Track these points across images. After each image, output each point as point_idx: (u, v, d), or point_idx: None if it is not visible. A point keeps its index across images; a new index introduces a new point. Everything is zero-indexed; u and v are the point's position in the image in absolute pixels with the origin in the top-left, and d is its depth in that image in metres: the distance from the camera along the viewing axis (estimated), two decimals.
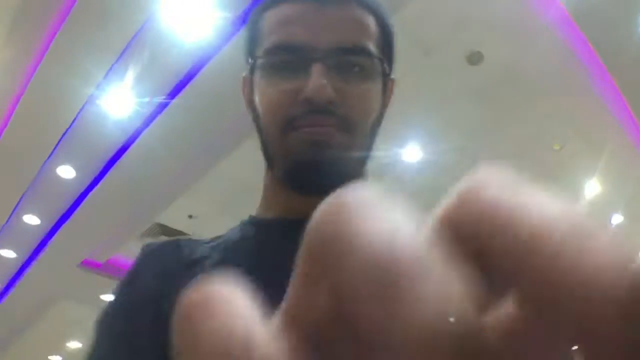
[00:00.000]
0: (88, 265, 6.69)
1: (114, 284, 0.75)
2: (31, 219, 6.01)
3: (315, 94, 0.64)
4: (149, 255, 0.75)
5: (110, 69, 4.11)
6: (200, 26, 3.79)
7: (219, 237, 0.76)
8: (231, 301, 0.15)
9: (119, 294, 0.72)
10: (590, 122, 5.19)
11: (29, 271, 6.83)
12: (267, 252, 0.70)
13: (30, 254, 6.68)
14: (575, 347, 0.12)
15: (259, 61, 0.70)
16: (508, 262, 0.12)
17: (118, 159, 4.95)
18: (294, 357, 0.14)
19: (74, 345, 9.41)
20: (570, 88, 4.73)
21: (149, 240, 6.29)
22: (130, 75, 4.11)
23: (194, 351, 0.14)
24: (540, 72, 4.60)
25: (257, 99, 0.71)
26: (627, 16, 3.77)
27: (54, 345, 9.48)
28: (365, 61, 0.69)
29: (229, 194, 5.67)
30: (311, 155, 0.66)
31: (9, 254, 6.76)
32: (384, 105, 0.75)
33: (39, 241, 6.37)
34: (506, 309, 0.13)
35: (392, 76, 0.76)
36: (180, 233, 6.57)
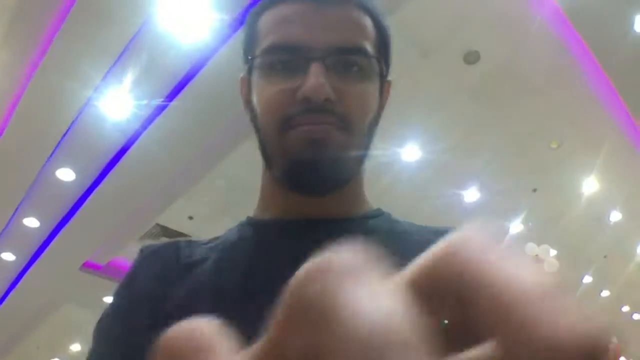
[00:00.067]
0: (89, 267, 6.69)
1: (116, 286, 0.75)
2: (31, 222, 6.01)
3: (313, 92, 0.64)
4: (146, 258, 0.75)
5: (109, 71, 4.11)
6: (198, 28, 3.79)
7: (217, 238, 0.76)
8: (208, 339, 0.16)
9: (117, 298, 0.72)
10: (587, 120, 5.20)
11: (29, 274, 6.82)
12: (264, 254, 0.70)
13: (30, 257, 6.67)
14: None
15: (257, 61, 0.70)
16: (487, 319, 0.14)
17: (117, 161, 4.95)
18: None
19: (76, 348, 9.41)
20: (567, 86, 4.74)
21: (149, 241, 6.29)
22: (129, 77, 4.11)
23: None
24: (536, 71, 4.61)
25: (255, 98, 0.71)
26: (621, 15, 3.78)
27: (57, 348, 9.48)
28: (363, 61, 0.69)
29: (229, 194, 5.67)
30: (309, 154, 0.66)
31: (9, 257, 6.75)
32: (381, 106, 0.75)
33: (39, 244, 6.36)
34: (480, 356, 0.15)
35: (389, 78, 0.76)
36: (181, 234, 6.57)
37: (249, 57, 0.72)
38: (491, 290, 0.14)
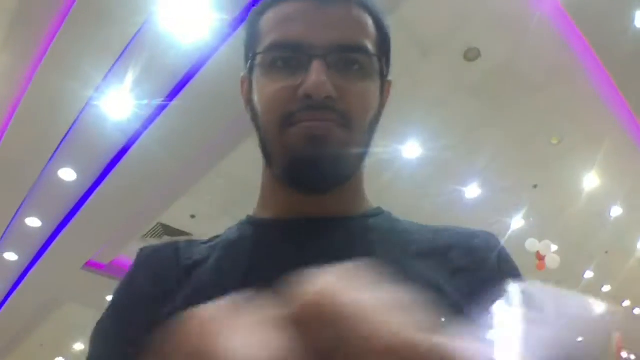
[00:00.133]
0: (91, 266, 6.70)
1: (115, 286, 0.75)
2: (33, 222, 6.02)
3: (314, 89, 0.64)
4: (145, 259, 0.75)
5: (109, 71, 4.12)
6: (198, 28, 3.80)
7: (217, 237, 0.76)
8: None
9: (116, 299, 0.72)
10: (588, 116, 5.20)
11: (32, 274, 6.84)
12: (264, 253, 0.70)
13: (32, 257, 6.69)
14: None
15: (258, 58, 0.70)
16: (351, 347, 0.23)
17: (119, 160, 4.95)
18: None
19: (79, 347, 9.43)
20: (567, 82, 4.74)
21: (152, 240, 6.29)
22: (129, 77, 4.11)
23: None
24: (537, 67, 4.61)
25: (256, 96, 0.71)
26: (622, 11, 3.78)
27: (60, 347, 9.50)
28: (365, 60, 0.69)
29: (231, 193, 5.68)
30: (310, 150, 0.65)
31: (12, 256, 6.77)
32: (382, 105, 0.75)
33: (41, 244, 6.38)
34: None
35: (390, 78, 0.76)
36: (183, 233, 6.59)
37: (250, 55, 0.72)
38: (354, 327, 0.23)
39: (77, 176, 5.26)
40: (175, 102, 4.26)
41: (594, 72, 4.45)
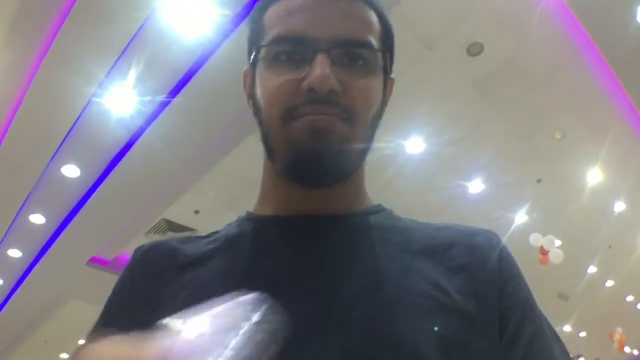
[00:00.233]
0: (96, 263, 6.72)
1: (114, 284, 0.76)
2: (37, 219, 6.04)
3: (318, 83, 0.64)
4: (142, 256, 0.75)
5: (112, 67, 4.12)
6: (200, 24, 3.79)
7: (215, 233, 0.76)
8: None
9: (112, 301, 0.73)
10: (591, 111, 5.19)
11: (36, 270, 6.86)
12: (263, 250, 0.71)
13: (36, 254, 6.71)
14: None
15: (262, 52, 0.70)
16: None
17: (122, 156, 4.96)
18: None
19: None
20: (570, 77, 4.73)
21: (156, 236, 6.31)
22: (132, 73, 4.11)
23: None
24: (540, 62, 4.60)
25: (259, 90, 0.71)
26: (624, 6, 3.77)
27: (64, 343, 9.52)
28: (369, 55, 0.69)
29: (235, 189, 5.69)
30: (312, 144, 0.65)
31: (16, 253, 6.79)
32: (384, 102, 0.74)
33: (45, 240, 6.40)
34: None
35: (392, 75, 0.76)
36: (187, 229, 6.60)
37: (254, 49, 0.72)
38: None
39: (81, 172, 5.27)
40: (178, 99, 4.26)
41: (597, 66, 4.44)
